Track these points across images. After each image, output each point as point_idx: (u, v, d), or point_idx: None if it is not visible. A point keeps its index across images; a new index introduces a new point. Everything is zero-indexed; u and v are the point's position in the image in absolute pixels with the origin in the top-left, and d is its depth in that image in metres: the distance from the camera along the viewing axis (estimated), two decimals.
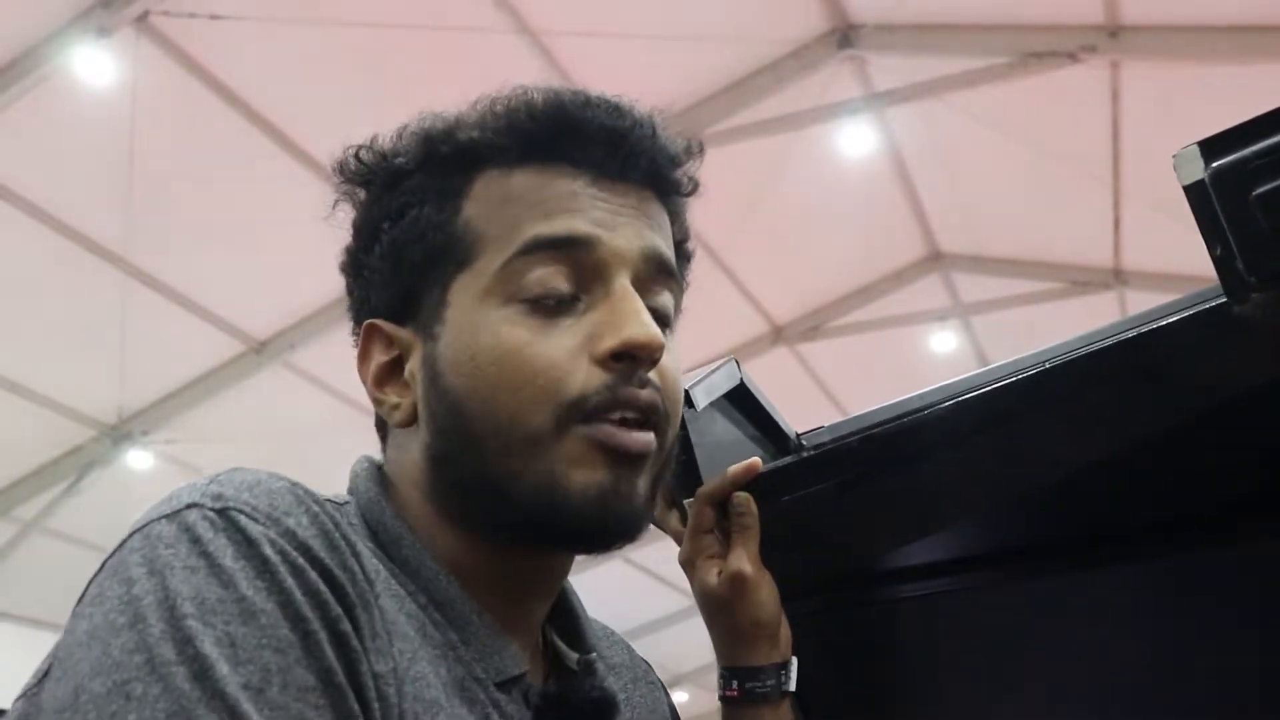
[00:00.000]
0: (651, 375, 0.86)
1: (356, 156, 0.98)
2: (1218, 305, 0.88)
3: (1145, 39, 6.87)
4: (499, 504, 0.86)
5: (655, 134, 0.93)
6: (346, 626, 0.74)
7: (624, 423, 0.85)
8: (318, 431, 9.38)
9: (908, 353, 9.96)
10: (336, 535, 0.78)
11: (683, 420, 1.03)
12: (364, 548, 0.82)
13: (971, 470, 1.10)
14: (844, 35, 7.33)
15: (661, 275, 0.91)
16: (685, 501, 1.18)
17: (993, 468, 1.09)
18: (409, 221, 0.92)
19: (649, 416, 0.86)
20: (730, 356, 1.28)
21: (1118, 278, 9.21)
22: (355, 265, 0.97)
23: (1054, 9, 6.96)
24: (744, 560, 1.10)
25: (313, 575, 0.74)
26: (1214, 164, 0.82)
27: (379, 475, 0.94)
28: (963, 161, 8.68)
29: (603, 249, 0.87)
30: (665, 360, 0.88)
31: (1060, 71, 7.05)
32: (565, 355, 0.85)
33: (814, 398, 10.35)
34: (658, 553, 6.04)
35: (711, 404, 1.20)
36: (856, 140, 7.95)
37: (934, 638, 1.32)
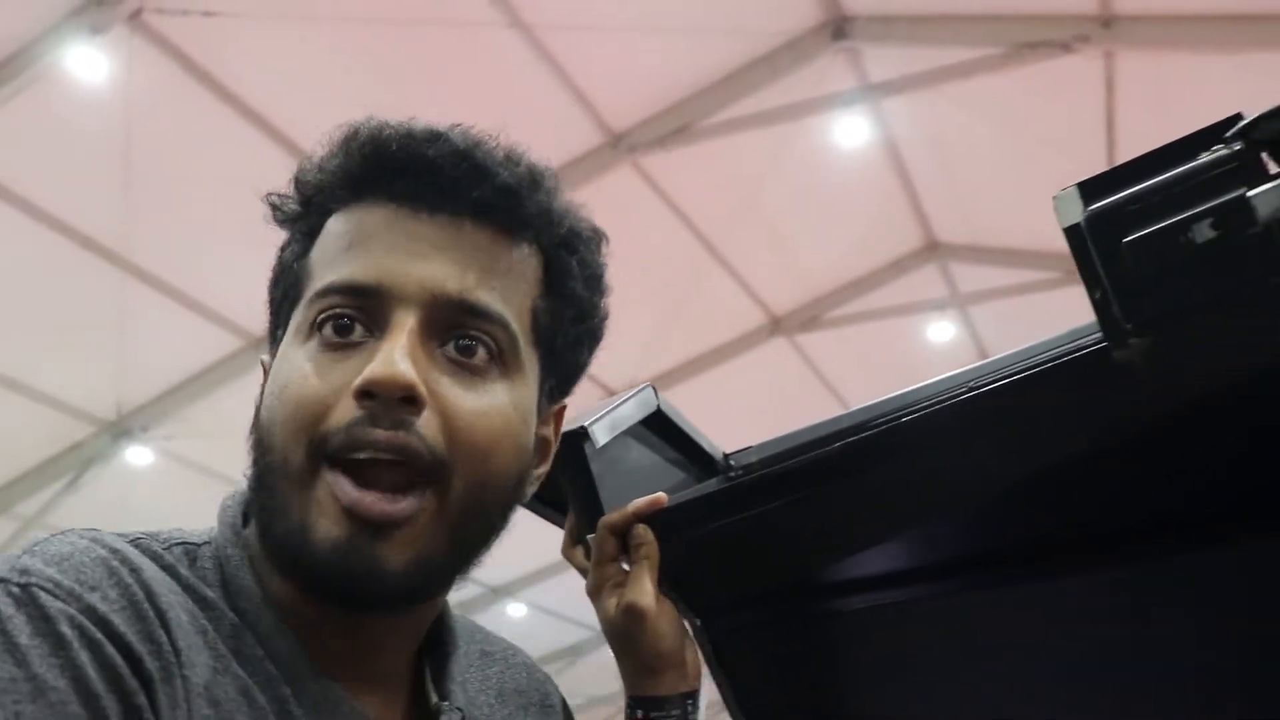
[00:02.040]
0: (426, 420, 0.83)
1: (274, 203, 0.97)
2: (1099, 349, 0.87)
3: (1138, 29, 6.87)
4: (272, 539, 0.86)
5: (480, 164, 0.90)
6: (142, 700, 0.74)
7: (374, 477, 0.82)
8: None
9: (905, 343, 9.97)
10: (145, 606, 0.78)
11: (584, 454, 1.07)
12: (184, 614, 0.82)
13: (890, 492, 1.11)
14: (838, 27, 7.33)
15: (468, 316, 0.87)
16: (589, 536, 1.18)
17: (911, 490, 1.10)
18: (281, 263, 0.95)
19: (402, 460, 0.82)
20: (646, 384, 1.29)
21: None
22: None
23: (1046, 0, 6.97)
24: (641, 592, 1.11)
25: (110, 650, 0.74)
26: (1090, 208, 0.82)
27: (240, 510, 0.93)
28: (959, 152, 8.68)
29: (382, 293, 0.86)
30: (461, 400, 0.85)
31: (1054, 62, 7.05)
32: (331, 391, 0.83)
33: (812, 388, 10.36)
34: None
35: (629, 432, 1.20)
36: (852, 131, 7.96)
37: (878, 649, 1.33)
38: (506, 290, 0.90)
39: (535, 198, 0.95)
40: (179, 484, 8.78)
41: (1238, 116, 0.78)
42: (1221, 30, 6.67)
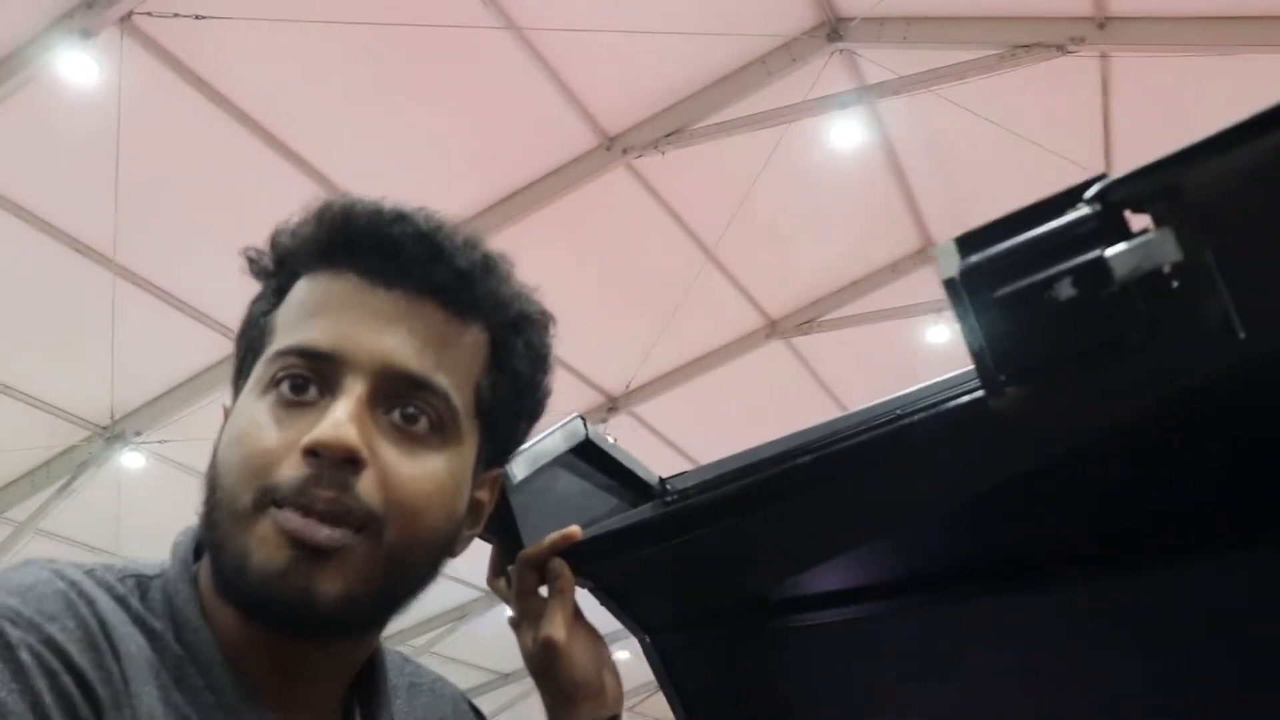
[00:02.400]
0: (366, 480, 0.89)
1: (250, 258, 1.04)
2: (976, 398, 0.91)
3: (1133, 30, 6.86)
4: (217, 569, 0.92)
5: (439, 247, 0.96)
6: None
7: (316, 516, 0.88)
8: None
9: (903, 345, 9.95)
10: (100, 638, 0.85)
11: (502, 490, 1.10)
12: (134, 645, 0.88)
13: (824, 516, 1.14)
14: (833, 28, 7.32)
15: (413, 388, 0.93)
16: (509, 568, 1.22)
17: (845, 514, 1.13)
18: (250, 316, 1.01)
19: (341, 520, 0.88)
20: (575, 414, 1.31)
21: None
22: None
23: (1042, 1, 6.95)
24: (555, 625, 1.14)
25: (65, 679, 0.80)
26: (965, 261, 0.83)
27: (191, 544, 0.99)
28: (955, 153, 8.67)
29: (337, 359, 0.92)
30: (399, 466, 0.91)
31: (1050, 63, 7.04)
32: (281, 445, 0.90)
33: (810, 390, 10.35)
34: None
35: (559, 462, 1.24)
36: (848, 133, 7.94)
37: (826, 665, 1.35)
38: (452, 366, 0.96)
39: (488, 283, 0.99)
40: (172, 488, 8.74)
41: (1102, 176, 0.80)
42: (1215, 31, 6.65)
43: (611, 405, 10.31)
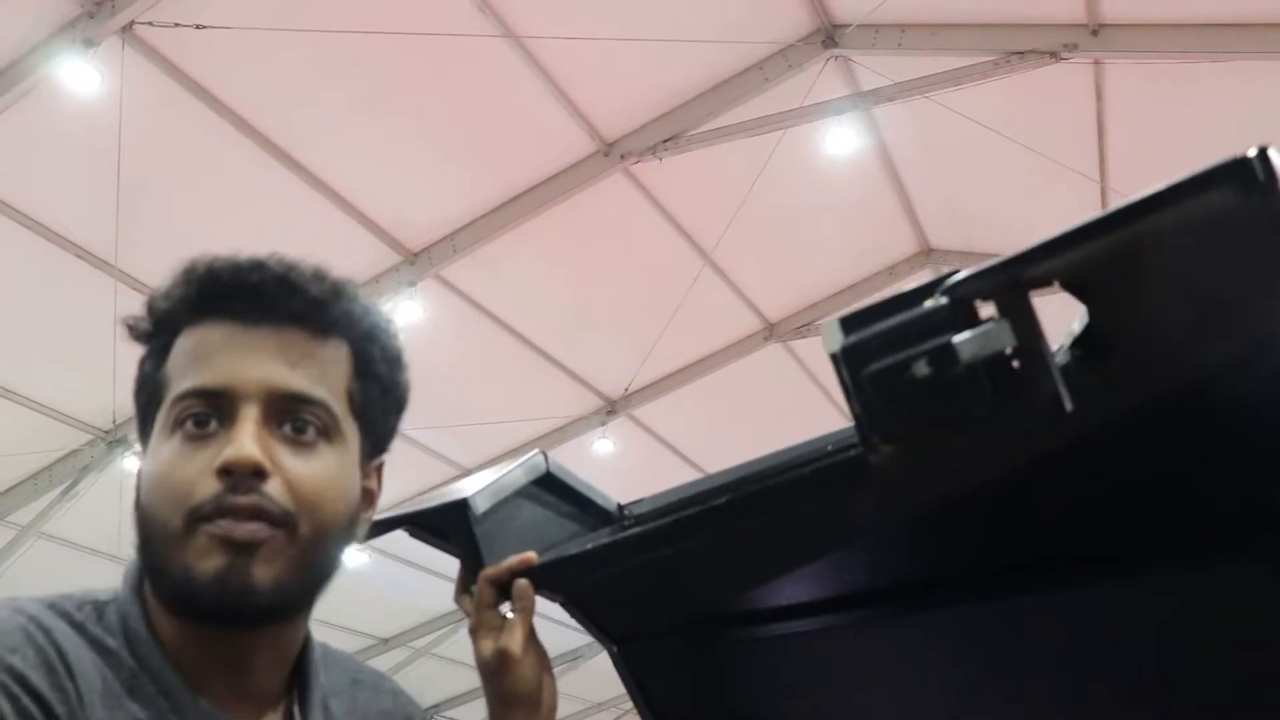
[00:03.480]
0: (273, 484, 1.07)
1: (130, 325, 1.18)
2: (858, 455, 1.04)
3: (1127, 37, 6.90)
4: (163, 588, 1.09)
5: (293, 284, 1.13)
6: None
7: (239, 518, 1.05)
8: None
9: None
10: (56, 662, 1.01)
11: (467, 521, 1.31)
12: (89, 665, 1.04)
13: (773, 539, 1.26)
14: (829, 35, 7.38)
15: (296, 403, 1.11)
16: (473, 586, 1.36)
17: (792, 536, 1.25)
18: (142, 372, 1.17)
19: (260, 517, 1.06)
20: (537, 450, 1.48)
21: None
22: None
23: (1036, 8, 7.00)
24: (512, 639, 1.29)
25: (26, 701, 0.96)
26: (845, 339, 0.95)
27: (137, 572, 1.14)
28: (951, 158, 8.73)
29: (229, 393, 1.09)
30: (298, 470, 1.09)
31: (1044, 70, 7.08)
32: (196, 473, 1.06)
33: (808, 393, 10.40)
34: None
35: (522, 493, 1.41)
36: (844, 138, 7.98)
37: (791, 675, 1.46)
38: (325, 379, 1.13)
39: (340, 304, 1.16)
40: None
41: (954, 272, 0.93)
42: (1208, 38, 6.70)
43: (610, 408, 10.38)
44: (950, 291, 0.92)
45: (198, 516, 1.05)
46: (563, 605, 1.40)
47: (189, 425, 1.09)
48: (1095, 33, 6.92)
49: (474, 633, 1.33)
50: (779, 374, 10.44)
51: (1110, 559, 1.16)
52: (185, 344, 1.13)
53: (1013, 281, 0.90)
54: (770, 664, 1.45)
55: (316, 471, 1.11)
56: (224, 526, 1.05)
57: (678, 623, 1.43)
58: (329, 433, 1.13)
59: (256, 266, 1.13)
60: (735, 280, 9.56)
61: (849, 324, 0.96)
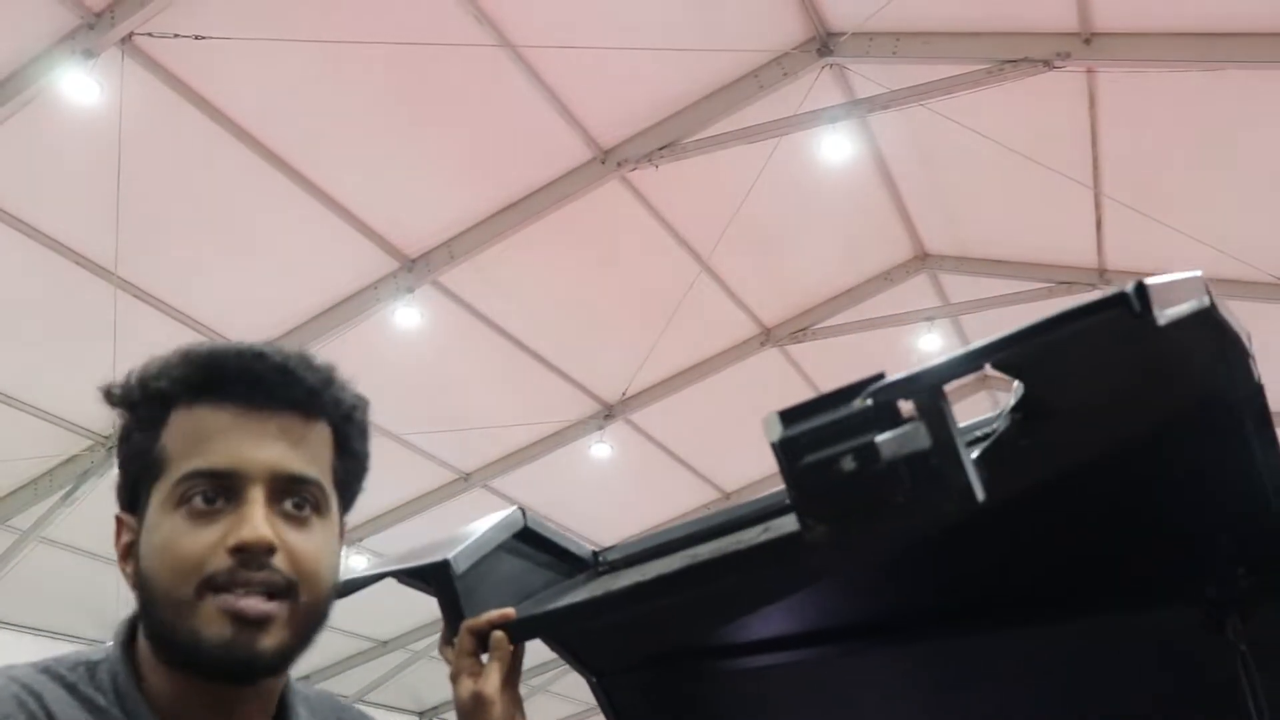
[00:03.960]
0: (278, 559, 1.16)
1: (109, 392, 1.25)
2: (793, 532, 1.13)
3: (1119, 46, 6.94)
4: (169, 649, 1.18)
5: (293, 373, 1.21)
6: None
7: (252, 594, 1.15)
8: None
9: (896, 353, 10.06)
10: None
11: (450, 580, 1.42)
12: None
13: (722, 590, 1.34)
14: (823, 43, 7.43)
15: (296, 484, 1.20)
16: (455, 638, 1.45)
17: (739, 589, 1.35)
18: (132, 443, 1.23)
19: (270, 590, 1.16)
20: (515, 507, 1.57)
21: (1102, 277, 9.31)
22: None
23: (1029, 16, 7.04)
24: (488, 684, 1.40)
25: None
26: (784, 432, 1.04)
27: (126, 630, 1.24)
28: (946, 165, 8.78)
29: (236, 475, 1.17)
30: (299, 544, 1.19)
31: (1037, 77, 7.13)
32: (205, 547, 1.15)
33: (805, 398, 10.43)
34: None
35: (502, 546, 1.51)
36: (839, 145, 8.04)
37: (762, 706, 1.55)
38: (317, 459, 1.23)
39: (329, 391, 1.24)
40: None
41: (880, 375, 1.02)
42: (1200, 47, 6.74)
43: (608, 413, 10.43)
44: (875, 395, 1.01)
45: (210, 587, 1.14)
46: (543, 640, 1.47)
47: (197, 502, 1.17)
48: (1088, 41, 6.97)
49: (454, 678, 1.42)
50: (776, 378, 10.49)
51: (1051, 604, 1.23)
52: (186, 424, 1.20)
53: (930, 386, 0.98)
54: (743, 695, 1.52)
55: (314, 545, 1.20)
56: (235, 601, 1.14)
57: (654, 655, 1.53)
58: (320, 507, 1.22)
59: (259, 356, 1.21)
60: (731, 286, 9.61)
61: (787, 417, 1.05)
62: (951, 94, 7.30)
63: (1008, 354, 0.96)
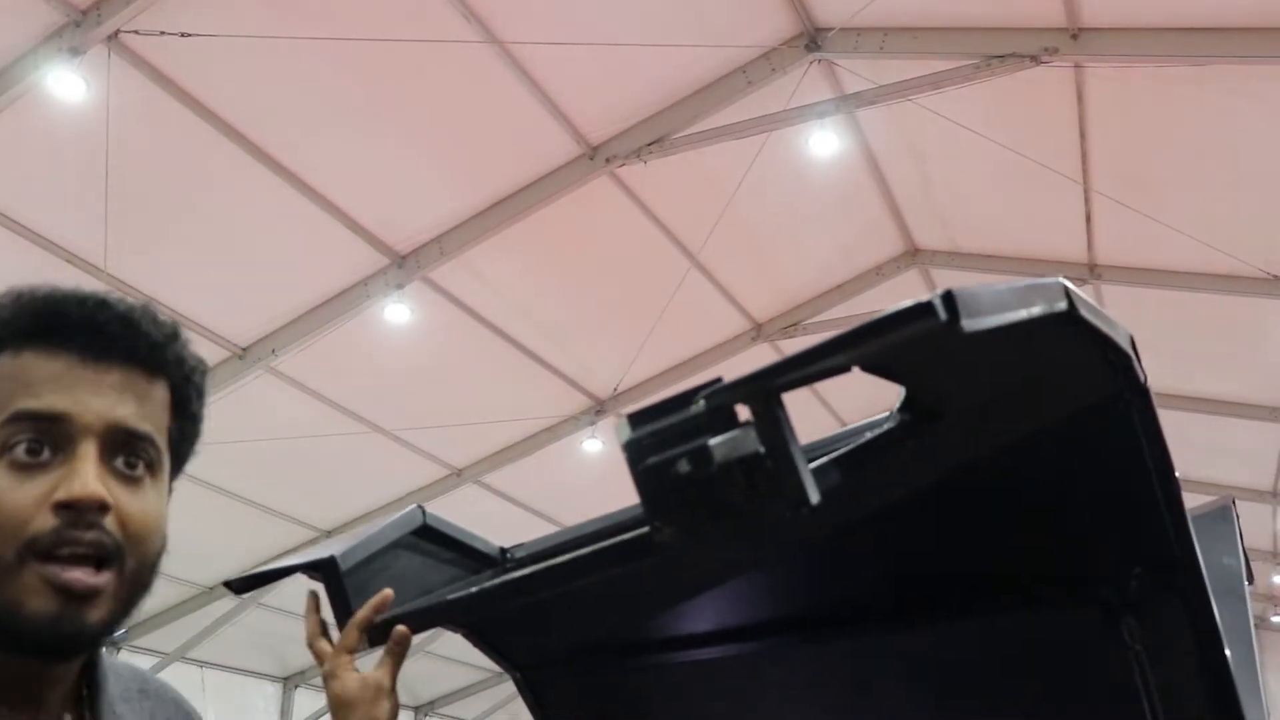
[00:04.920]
0: (109, 519, 1.09)
1: None
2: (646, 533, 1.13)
3: (1106, 41, 6.94)
4: None
5: (136, 325, 1.15)
6: None
7: (74, 560, 1.07)
8: (301, 432, 9.54)
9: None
10: None
11: (338, 576, 1.41)
12: None
13: (646, 581, 1.34)
14: (811, 38, 7.42)
15: (133, 440, 1.13)
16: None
17: (660, 582, 1.35)
18: None
19: (99, 553, 1.08)
20: (415, 505, 1.59)
21: (1093, 272, 9.30)
22: None
23: (1016, 12, 7.04)
24: (387, 676, 1.40)
25: None
26: (631, 434, 1.05)
27: None
28: (936, 160, 8.77)
29: (68, 423, 1.10)
30: (131, 505, 1.12)
31: (1025, 73, 7.12)
32: (30, 503, 1.07)
33: (798, 395, 10.39)
34: None
35: (400, 544, 1.52)
36: (828, 140, 8.03)
37: (684, 701, 1.58)
38: (154, 418, 1.16)
39: (173, 348, 1.18)
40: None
41: (718, 380, 1.03)
42: (1187, 42, 6.74)
43: (599, 408, 10.44)
44: (709, 398, 1.02)
45: (32, 551, 1.06)
46: (464, 635, 1.48)
47: (18, 452, 1.08)
48: (1075, 36, 6.96)
49: (330, 673, 1.41)
50: None
51: (956, 604, 1.24)
52: (12, 368, 1.12)
53: (762, 390, 0.99)
54: (665, 690, 1.54)
55: (145, 507, 1.13)
56: (60, 573, 1.06)
57: (575, 651, 1.54)
58: (153, 468, 1.15)
59: (102, 304, 1.15)
60: (722, 281, 9.62)
61: (635, 420, 1.06)
62: (940, 89, 7.30)
63: (832, 361, 0.97)
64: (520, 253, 8.66)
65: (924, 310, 0.85)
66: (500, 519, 10.82)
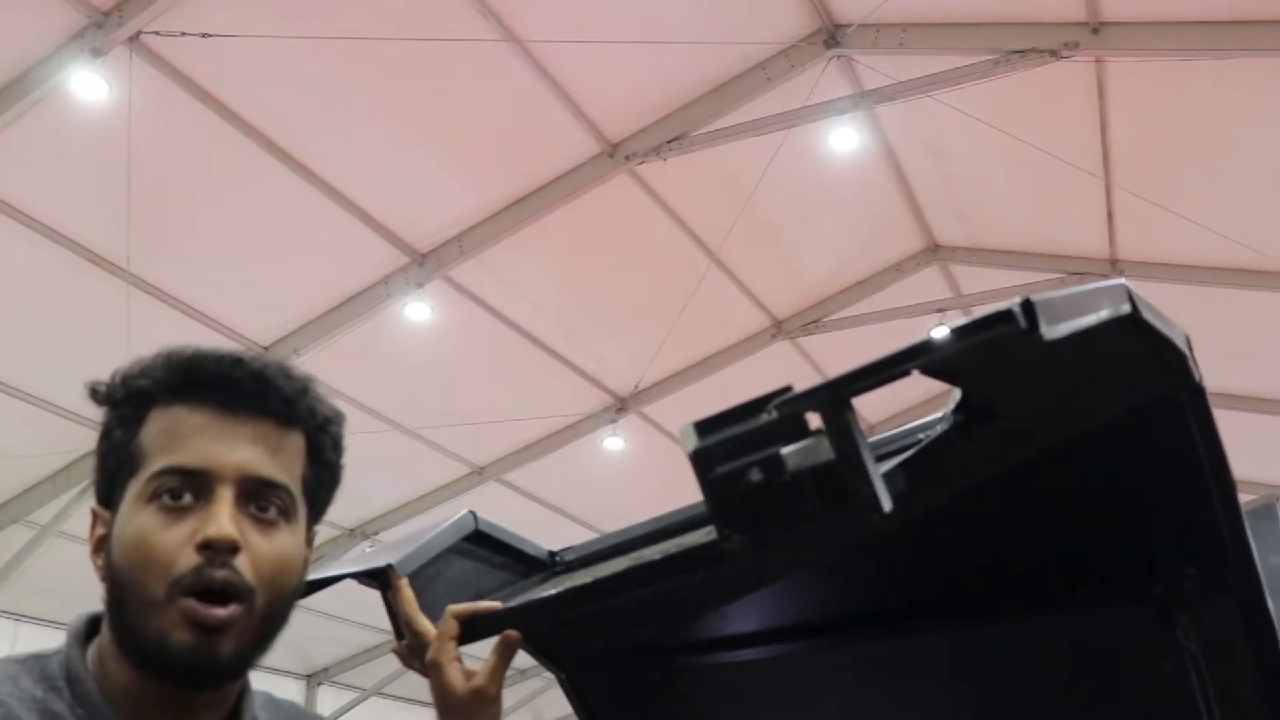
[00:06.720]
0: (240, 559, 1.20)
1: (94, 390, 1.28)
2: (713, 540, 1.13)
3: (1127, 35, 6.91)
4: (133, 645, 1.21)
5: (269, 381, 1.25)
6: None
7: (210, 597, 1.18)
8: None
9: (908, 343, 10.03)
10: None
11: (389, 576, 1.44)
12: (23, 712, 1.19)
13: (677, 590, 1.34)
14: (830, 35, 7.41)
15: (266, 489, 1.23)
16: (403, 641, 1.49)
17: (694, 589, 1.35)
18: (111, 439, 1.27)
19: (229, 590, 1.19)
20: (466, 510, 1.60)
21: (1114, 267, 9.27)
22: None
23: (1036, 6, 7.02)
24: (490, 680, 1.41)
25: None
26: (699, 443, 1.04)
27: (85, 625, 1.29)
28: (956, 156, 8.75)
29: (206, 473, 1.21)
30: (262, 546, 1.22)
31: (1045, 68, 7.10)
32: (175, 545, 1.19)
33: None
34: None
35: (454, 549, 1.54)
36: (847, 137, 8.03)
37: (731, 701, 1.57)
38: (288, 466, 1.26)
39: (305, 401, 1.28)
40: None
41: (788, 388, 1.02)
42: (1208, 35, 6.71)
43: (620, 406, 10.45)
44: (780, 407, 1.01)
45: (179, 588, 1.17)
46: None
47: (165, 498, 1.20)
48: (1096, 30, 6.94)
49: (434, 664, 1.43)
50: (788, 371, 10.46)
51: (1006, 603, 1.24)
52: (163, 423, 1.24)
53: (834, 398, 0.99)
54: (710, 691, 1.54)
55: (277, 549, 1.23)
56: (196, 608, 1.17)
57: (621, 652, 1.54)
58: (287, 513, 1.25)
59: (237, 362, 1.25)
60: (742, 278, 9.61)
61: (702, 428, 1.05)
62: (959, 85, 7.28)
63: (905, 369, 0.97)
64: (540, 250, 8.67)
65: (1004, 318, 0.85)
66: (521, 517, 10.84)
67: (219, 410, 1.23)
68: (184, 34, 6.36)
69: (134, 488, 1.22)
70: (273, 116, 7.17)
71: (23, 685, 1.20)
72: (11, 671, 1.21)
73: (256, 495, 1.22)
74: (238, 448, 1.23)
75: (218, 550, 1.18)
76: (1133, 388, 1.09)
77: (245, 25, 6.38)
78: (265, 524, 1.23)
